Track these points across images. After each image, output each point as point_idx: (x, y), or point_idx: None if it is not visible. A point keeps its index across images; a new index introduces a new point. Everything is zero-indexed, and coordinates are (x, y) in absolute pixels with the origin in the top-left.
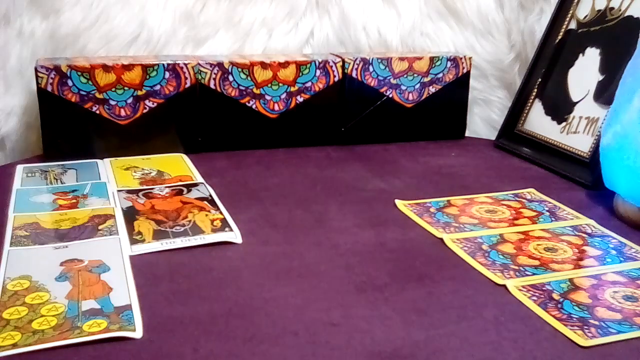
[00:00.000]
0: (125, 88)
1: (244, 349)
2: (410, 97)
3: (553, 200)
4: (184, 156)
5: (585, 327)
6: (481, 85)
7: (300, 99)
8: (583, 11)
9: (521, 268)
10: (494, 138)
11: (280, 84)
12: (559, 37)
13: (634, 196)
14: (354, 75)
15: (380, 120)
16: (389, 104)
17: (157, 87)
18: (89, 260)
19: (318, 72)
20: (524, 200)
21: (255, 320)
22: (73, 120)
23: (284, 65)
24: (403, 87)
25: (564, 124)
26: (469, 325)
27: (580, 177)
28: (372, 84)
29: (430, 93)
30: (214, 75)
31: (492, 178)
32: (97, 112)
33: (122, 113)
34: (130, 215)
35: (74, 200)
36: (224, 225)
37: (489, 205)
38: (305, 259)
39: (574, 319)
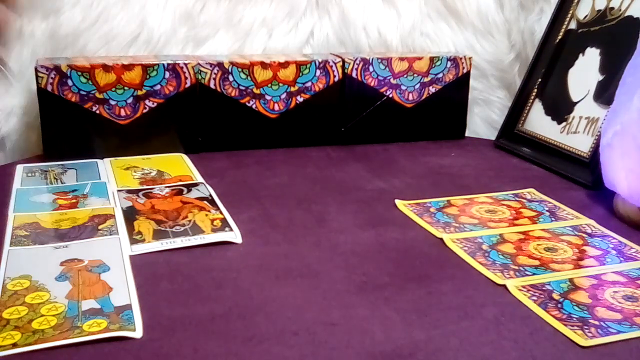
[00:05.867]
0: (125, 88)
1: (244, 349)
2: (410, 97)
3: (553, 200)
4: (184, 156)
5: (585, 327)
6: (481, 85)
7: (300, 99)
8: (583, 11)
9: (521, 268)
10: (494, 138)
11: (280, 84)
12: (559, 37)
13: (634, 196)
14: (354, 75)
15: (380, 120)
16: (389, 104)
17: (157, 87)
18: (89, 260)
19: (318, 72)
20: (524, 200)
21: (255, 320)
22: (73, 120)
23: (284, 65)
24: (403, 87)
25: (564, 124)
26: (469, 325)
27: (580, 177)
28: (372, 84)
29: (430, 93)
30: (214, 75)
31: (492, 178)
32: (97, 112)
33: (122, 113)
34: (130, 215)
35: (74, 200)
36: (224, 225)
37: (489, 205)
38: (305, 259)
39: (574, 319)
